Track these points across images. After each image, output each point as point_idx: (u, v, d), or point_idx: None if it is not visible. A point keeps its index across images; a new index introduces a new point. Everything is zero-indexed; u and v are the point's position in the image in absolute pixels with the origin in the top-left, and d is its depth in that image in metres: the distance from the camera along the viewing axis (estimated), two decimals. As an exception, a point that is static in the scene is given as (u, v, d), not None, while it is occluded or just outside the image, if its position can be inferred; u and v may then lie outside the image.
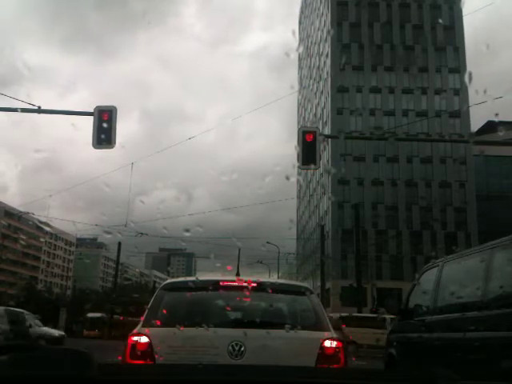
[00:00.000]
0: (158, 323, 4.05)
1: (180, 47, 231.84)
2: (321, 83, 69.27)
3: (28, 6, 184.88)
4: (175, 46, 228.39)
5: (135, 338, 3.93)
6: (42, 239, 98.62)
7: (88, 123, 13.54)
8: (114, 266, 61.84)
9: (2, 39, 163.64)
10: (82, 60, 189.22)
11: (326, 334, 4.05)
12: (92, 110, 13.72)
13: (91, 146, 13.54)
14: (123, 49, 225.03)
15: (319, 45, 71.73)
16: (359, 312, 34.40)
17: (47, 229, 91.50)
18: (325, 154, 57.86)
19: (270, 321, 4.21)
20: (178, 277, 7.82)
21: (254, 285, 4.17)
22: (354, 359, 11.71)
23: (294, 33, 29.53)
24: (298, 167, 14.91)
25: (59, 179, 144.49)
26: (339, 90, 61.77)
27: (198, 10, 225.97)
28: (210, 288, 4.32)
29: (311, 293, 4.55)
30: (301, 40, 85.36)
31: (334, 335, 4.08)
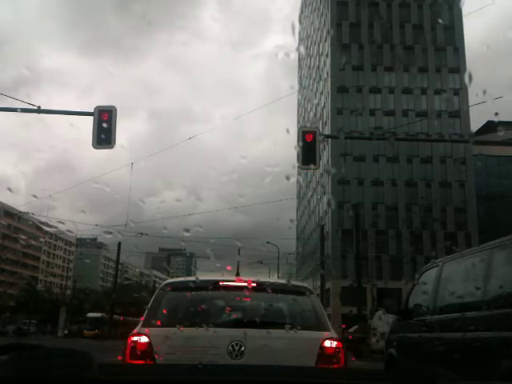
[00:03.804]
0: (158, 323, 4.05)
1: (187, 49, 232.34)
2: (321, 83, 69.28)
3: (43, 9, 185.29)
4: (182, 48, 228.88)
5: (135, 338, 3.93)
6: (41, 239, 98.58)
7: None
8: (114, 266, 61.79)
9: (12, 41, 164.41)
10: (92, 63, 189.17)
11: (326, 333, 4.05)
12: (92, 110, 13.74)
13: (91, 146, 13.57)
14: (134, 51, 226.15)
15: (319, 45, 71.72)
16: (359, 312, 34.31)
17: (48, 229, 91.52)
18: (325, 153, 57.85)
19: (270, 321, 4.20)
20: (177, 277, 7.82)
21: (254, 285, 4.17)
22: (353, 359, 11.72)
23: (293, 33, 29.47)
24: (298, 167, 14.91)
25: (60, 179, 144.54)
26: (339, 90, 61.78)
27: (208, 11, 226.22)
28: (210, 288, 4.32)
29: (311, 293, 4.55)
30: (301, 40, 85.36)
31: (334, 335, 4.08)
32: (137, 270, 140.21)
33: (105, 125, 13.33)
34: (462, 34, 62.95)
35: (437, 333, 5.67)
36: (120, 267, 59.72)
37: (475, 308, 5.10)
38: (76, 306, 67.46)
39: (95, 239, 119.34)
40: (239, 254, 33.73)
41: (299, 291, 4.55)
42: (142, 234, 34.14)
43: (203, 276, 4.67)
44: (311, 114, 75.86)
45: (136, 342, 3.91)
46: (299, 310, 4.57)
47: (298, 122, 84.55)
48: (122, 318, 51.59)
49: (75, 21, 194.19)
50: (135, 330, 4.04)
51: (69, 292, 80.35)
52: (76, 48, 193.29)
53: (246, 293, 4.14)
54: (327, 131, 58.67)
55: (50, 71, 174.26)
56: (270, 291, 4.21)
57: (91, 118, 13.62)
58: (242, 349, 3.80)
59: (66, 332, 56.00)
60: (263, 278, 4.53)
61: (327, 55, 64.67)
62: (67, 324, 59.58)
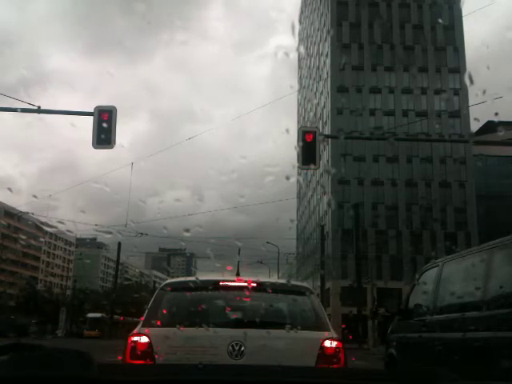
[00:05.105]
0: (158, 323, 4.05)
1: (189, 50, 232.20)
2: (321, 83, 69.26)
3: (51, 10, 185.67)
4: (185, 49, 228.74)
5: (135, 338, 3.93)
6: (41, 239, 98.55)
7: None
8: (114, 266, 61.77)
9: (15, 42, 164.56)
10: (95, 63, 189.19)
11: (326, 333, 4.05)
12: (92, 110, 13.75)
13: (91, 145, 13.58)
14: (137, 52, 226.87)
15: (319, 45, 71.71)
16: (359, 312, 34.30)
17: (47, 229, 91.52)
18: (325, 153, 57.85)
19: (270, 321, 4.20)
20: (177, 277, 7.82)
21: (254, 285, 4.17)
22: (353, 359, 11.71)
23: (293, 33, 29.52)
24: (298, 167, 14.91)
25: (60, 179, 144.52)
26: (339, 90, 61.75)
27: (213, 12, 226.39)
28: (210, 288, 4.32)
29: (311, 293, 4.55)
30: (301, 40, 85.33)
31: (334, 335, 4.08)
32: (137, 270, 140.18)
33: (105, 125, 13.33)
34: (462, 34, 62.94)
35: (437, 333, 5.67)
36: (120, 267, 59.71)
37: (475, 308, 5.10)
38: (76, 306, 67.42)
39: (95, 239, 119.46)
40: (239, 253, 33.74)
41: (299, 291, 4.55)
42: (142, 234, 34.21)
43: (203, 276, 4.67)
44: (311, 114, 75.83)
45: (136, 342, 3.91)
46: (299, 309, 4.57)
47: (298, 122, 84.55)
48: (121, 318, 51.59)
49: (79, 22, 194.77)
50: (135, 330, 4.04)
51: (69, 292, 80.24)
52: (80, 49, 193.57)
53: (246, 293, 4.14)
54: (327, 131, 58.65)
55: (52, 72, 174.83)
56: (270, 291, 4.21)
57: (91, 118, 13.63)
58: (242, 349, 3.80)
59: (58, 332, 55.54)
60: (263, 278, 4.53)
61: (327, 55, 64.66)
62: (66, 324, 59.53)
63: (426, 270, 6.83)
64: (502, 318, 4.57)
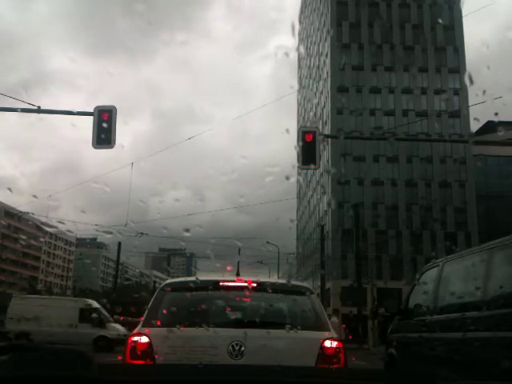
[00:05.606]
0: (158, 323, 4.04)
1: (190, 50, 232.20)
2: (321, 83, 69.25)
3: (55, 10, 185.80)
4: (186, 49, 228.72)
5: (135, 338, 3.92)
6: (42, 239, 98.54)
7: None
8: (114, 266, 61.73)
9: (17, 43, 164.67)
10: (97, 64, 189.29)
11: (326, 333, 4.05)
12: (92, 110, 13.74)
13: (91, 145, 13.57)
14: (139, 53, 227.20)
15: (319, 45, 71.70)
16: (359, 312, 34.28)
17: (48, 229, 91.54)
18: (325, 153, 57.83)
19: (270, 321, 4.20)
20: (178, 277, 7.82)
21: (254, 285, 4.16)
22: (353, 359, 11.72)
23: (293, 33, 29.57)
24: (298, 167, 14.90)
25: (61, 179, 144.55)
26: (339, 89, 61.74)
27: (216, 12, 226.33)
28: (210, 288, 4.32)
29: (311, 293, 4.55)
30: (301, 40, 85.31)
31: (334, 335, 4.08)
32: (137, 270, 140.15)
33: (105, 125, 13.32)
34: (462, 34, 62.92)
35: (437, 333, 5.66)
36: (120, 267, 59.63)
37: (475, 308, 5.09)
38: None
39: (95, 239, 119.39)
40: (239, 254, 33.75)
41: (299, 291, 4.55)
42: (142, 233, 34.23)
43: (203, 276, 4.67)
44: (311, 114, 75.82)
45: (136, 342, 3.91)
46: (299, 310, 4.57)
47: (298, 122, 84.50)
48: (121, 318, 51.49)
49: (81, 22, 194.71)
50: (135, 330, 4.04)
51: (69, 292, 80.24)
52: (81, 49, 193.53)
53: (246, 293, 4.14)
54: (327, 131, 58.62)
55: (54, 72, 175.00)
56: (270, 291, 4.21)
57: (91, 118, 13.62)
58: (242, 349, 3.80)
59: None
60: (263, 278, 4.53)
61: (327, 55, 64.65)
62: None
63: (426, 270, 6.83)
64: (502, 318, 4.57)
